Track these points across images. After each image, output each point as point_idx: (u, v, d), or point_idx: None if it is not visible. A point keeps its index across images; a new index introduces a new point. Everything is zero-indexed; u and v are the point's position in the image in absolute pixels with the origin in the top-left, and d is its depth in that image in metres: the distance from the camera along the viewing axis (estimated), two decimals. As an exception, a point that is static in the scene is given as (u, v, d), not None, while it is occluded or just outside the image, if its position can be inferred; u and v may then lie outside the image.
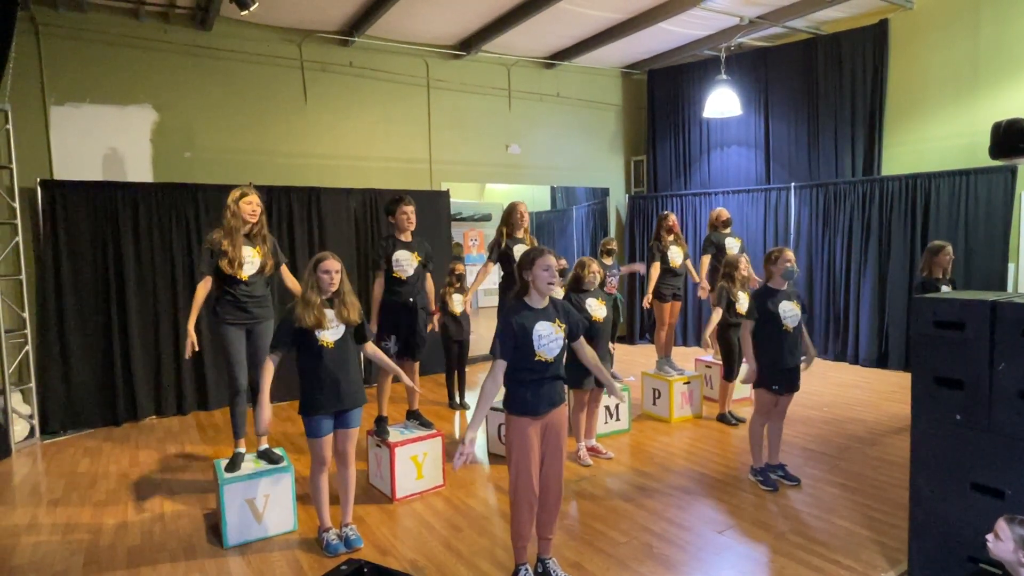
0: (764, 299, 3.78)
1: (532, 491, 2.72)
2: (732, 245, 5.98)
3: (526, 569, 2.82)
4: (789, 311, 3.74)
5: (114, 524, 3.59)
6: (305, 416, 3.06)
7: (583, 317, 3.81)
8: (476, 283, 4.70)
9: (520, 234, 4.70)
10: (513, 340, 2.64)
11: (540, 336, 2.66)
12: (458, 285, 5.76)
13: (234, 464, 3.45)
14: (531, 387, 2.67)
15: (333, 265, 3.03)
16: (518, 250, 4.62)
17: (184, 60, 6.04)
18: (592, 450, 4.44)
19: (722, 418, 5.20)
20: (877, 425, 4.99)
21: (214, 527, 3.46)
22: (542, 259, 2.67)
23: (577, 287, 4.27)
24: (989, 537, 1.98)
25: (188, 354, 3.62)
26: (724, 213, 6.11)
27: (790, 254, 3.78)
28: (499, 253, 4.62)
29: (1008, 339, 2.33)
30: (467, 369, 6.06)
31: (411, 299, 4.10)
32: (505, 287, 4.67)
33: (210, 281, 3.59)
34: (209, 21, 5.91)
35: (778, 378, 3.75)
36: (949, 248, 4.59)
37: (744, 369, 4.16)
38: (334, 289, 3.04)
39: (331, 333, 3.03)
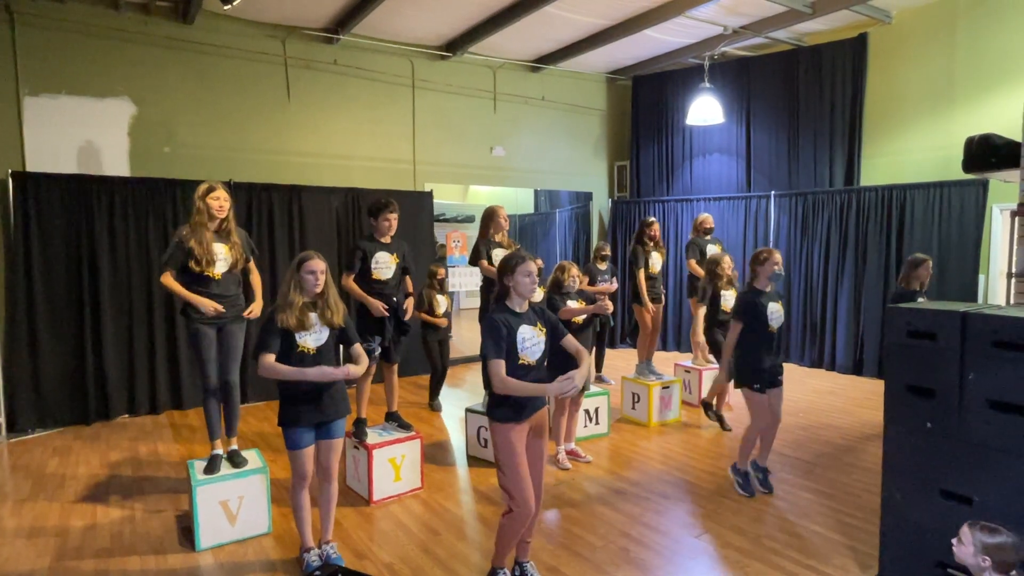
0: (752, 300, 3.77)
1: (531, 497, 2.66)
2: (712, 252, 6.07)
3: (504, 572, 2.81)
4: (775, 312, 3.76)
5: (82, 526, 3.51)
6: (285, 428, 2.91)
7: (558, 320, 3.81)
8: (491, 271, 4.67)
9: (499, 238, 4.69)
10: (503, 339, 2.62)
11: (523, 340, 2.67)
12: (439, 288, 5.73)
13: (213, 466, 3.38)
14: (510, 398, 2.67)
15: (318, 265, 2.88)
16: (497, 254, 4.61)
17: (164, 53, 5.95)
18: (571, 454, 4.45)
19: (706, 407, 5.18)
20: (851, 431, 5.07)
21: (186, 529, 3.40)
22: (524, 266, 2.70)
23: (556, 290, 4.26)
24: (954, 542, 2.03)
25: (221, 308, 3.45)
26: (709, 220, 6.19)
27: (778, 256, 3.77)
28: (482, 258, 4.61)
29: (978, 349, 2.38)
30: (449, 370, 6.04)
31: (393, 299, 4.08)
32: (486, 289, 4.67)
33: (172, 275, 3.44)
34: (191, 14, 5.83)
35: (759, 377, 3.75)
36: (930, 263, 4.57)
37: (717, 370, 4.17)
38: (319, 291, 2.90)
39: (313, 339, 2.88)
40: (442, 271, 5.76)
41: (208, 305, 3.39)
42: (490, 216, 4.71)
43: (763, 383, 3.78)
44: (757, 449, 3.96)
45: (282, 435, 2.96)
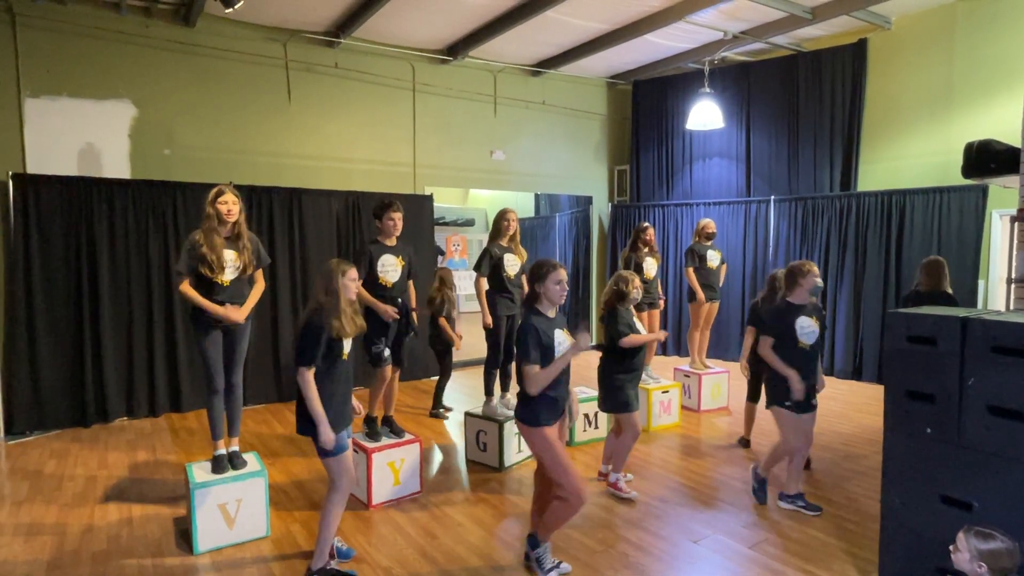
0: (783, 315, 3.60)
1: (583, 487, 2.80)
2: (713, 257, 6.07)
3: (547, 546, 2.96)
4: (807, 327, 3.58)
5: (79, 528, 3.50)
6: (334, 435, 2.85)
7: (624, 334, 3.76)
8: (481, 302, 4.66)
9: (506, 242, 4.66)
10: (542, 345, 2.74)
11: (558, 344, 2.80)
12: (447, 291, 5.73)
13: (218, 465, 3.38)
14: (553, 392, 2.79)
15: (355, 274, 2.95)
16: (507, 259, 4.60)
17: (166, 56, 5.96)
18: (614, 487, 3.94)
19: (745, 443, 4.84)
20: (851, 437, 5.06)
21: (184, 532, 3.39)
22: (555, 274, 2.80)
23: (620, 302, 3.83)
24: (951, 548, 2.02)
25: (232, 318, 3.41)
26: (711, 226, 6.16)
27: (816, 268, 3.58)
28: (489, 264, 4.59)
29: (978, 355, 2.38)
30: (453, 373, 6.03)
31: (399, 300, 4.08)
32: (490, 293, 4.64)
33: (188, 281, 3.45)
34: (192, 17, 5.84)
35: (790, 396, 3.56)
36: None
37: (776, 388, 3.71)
38: (352, 298, 2.95)
39: (348, 344, 2.93)
40: (449, 274, 5.80)
41: (220, 312, 3.38)
42: (498, 220, 4.68)
43: (793, 403, 3.55)
44: (768, 462, 3.80)
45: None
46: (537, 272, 2.83)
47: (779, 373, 3.57)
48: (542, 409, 2.79)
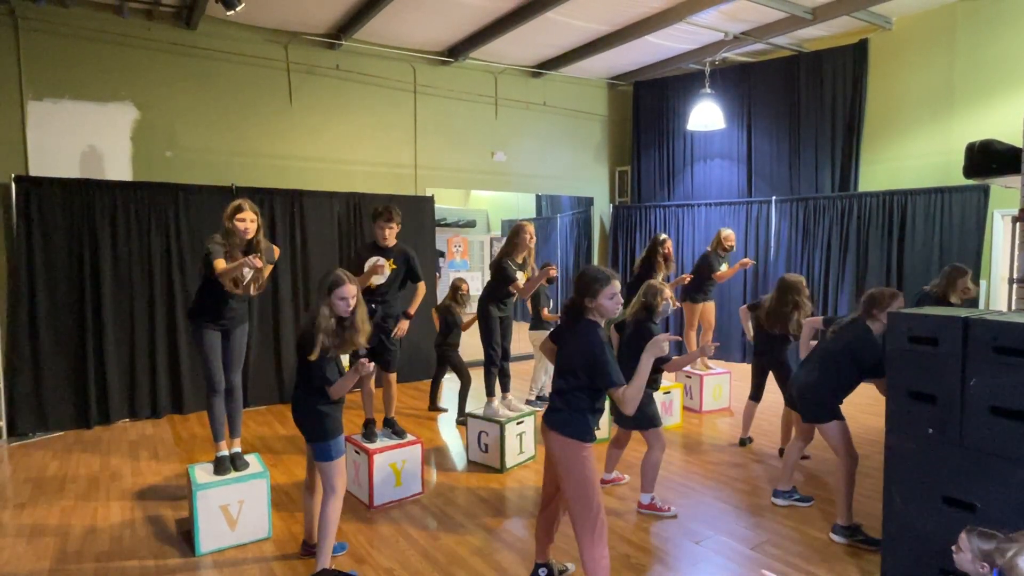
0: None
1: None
2: (722, 268, 6.08)
3: None
4: None
5: (82, 529, 3.51)
6: (336, 439, 2.88)
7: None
8: (529, 285, 4.54)
9: (521, 260, 4.58)
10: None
11: None
12: (462, 303, 5.70)
13: (220, 466, 3.38)
14: (599, 412, 2.56)
15: (350, 290, 2.82)
16: (518, 277, 4.54)
17: (167, 58, 5.98)
18: (651, 508, 3.77)
19: (745, 442, 4.90)
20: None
21: (186, 534, 3.39)
22: (608, 287, 2.46)
23: (649, 317, 3.60)
24: (953, 549, 2.02)
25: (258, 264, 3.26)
26: (732, 239, 6.11)
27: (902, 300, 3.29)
28: (504, 278, 4.50)
29: (980, 355, 2.38)
30: (448, 376, 6.01)
31: (372, 306, 3.93)
32: (486, 299, 4.63)
33: (215, 267, 3.34)
34: (194, 20, 5.86)
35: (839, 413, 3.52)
36: (970, 275, 4.42)
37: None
38: (348, 314, 2.90)
39: (345, 357, 2.97)
40: (465, 286, 5.74)
41: (253, 261, 3.22)
42: (515, 235, 4.55)
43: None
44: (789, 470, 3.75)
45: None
46: (587, 287, 2.46)
47: (839, 393, 3.48)
48: (593, 422, 2.47)
